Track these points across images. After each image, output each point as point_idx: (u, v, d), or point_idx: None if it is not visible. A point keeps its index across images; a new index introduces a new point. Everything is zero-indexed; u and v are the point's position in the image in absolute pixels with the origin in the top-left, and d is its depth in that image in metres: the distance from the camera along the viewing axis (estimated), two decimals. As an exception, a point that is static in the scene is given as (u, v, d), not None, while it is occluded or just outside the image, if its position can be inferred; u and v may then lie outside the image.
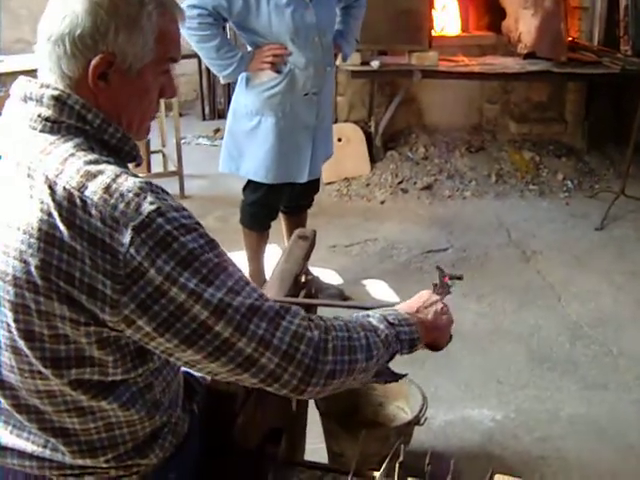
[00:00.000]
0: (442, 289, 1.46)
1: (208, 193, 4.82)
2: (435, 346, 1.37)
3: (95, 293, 0.99)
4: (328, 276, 3.66)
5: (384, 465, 1.40)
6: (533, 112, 5.40)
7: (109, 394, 1.09)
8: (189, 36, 2.88)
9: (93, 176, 1.01)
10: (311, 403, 2.09)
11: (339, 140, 4.69)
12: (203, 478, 1.33)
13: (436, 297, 1.39)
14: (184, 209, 1.06)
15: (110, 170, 1.03)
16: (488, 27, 5.35)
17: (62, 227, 0.99)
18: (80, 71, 1.08)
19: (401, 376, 1.32)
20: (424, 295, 1.39)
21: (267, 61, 2.96)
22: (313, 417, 2.15)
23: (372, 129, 5.04)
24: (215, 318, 1.02)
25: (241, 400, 1.41)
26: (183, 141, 5.20)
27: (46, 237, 0.99)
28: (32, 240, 0.99)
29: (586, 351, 3.08)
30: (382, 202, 4.72)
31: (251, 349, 1.05)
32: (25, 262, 1.00)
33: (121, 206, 0.99)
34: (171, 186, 4.60)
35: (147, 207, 1.00)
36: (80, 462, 1.14)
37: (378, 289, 3.59)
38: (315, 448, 2.21)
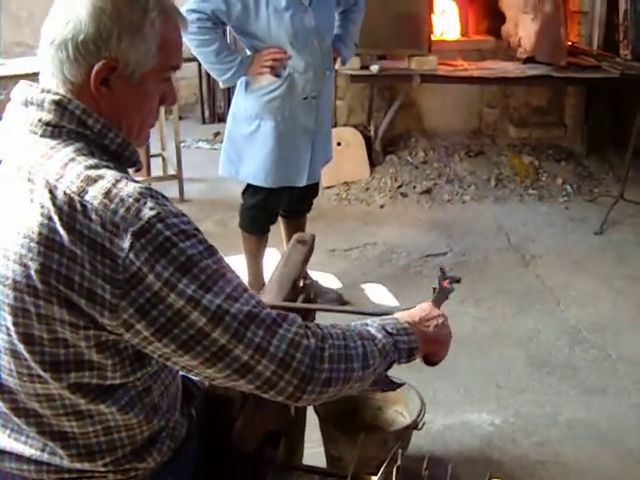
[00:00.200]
0: (441, 294, 1.47)
1: (207, 197, 4.82)
2: (432, 359, 1.37)
3: (94, 297, 0.99)
4: (327, 280, 3.66)
5: (382, 469, 1.40)
6: (532, 116, 5.40)
7: (108, 398, 1.10)
8: (188, 40, 2.88)
9: (93, 181, 1.01)
10: (310, 407, 2.09)
11: (338, 144, 4.70)
12: (201, 482, 1.33)
13: (437, 311, 1.38)
14: (184, 215, 1.06)
15: (110, 175, 1.03)
16: (488, 31, 5.36)
17: (62, 231, 0.99)
18: (82, 76, 1.09)
19: (398, 385, 1.32)
20: (426, 307, 1.38)
21: (266, 65, 2.96)
22: (312, 421, 2.15)
23: (371, 133, 5.04)
24: (212, 325, 1.02)
25: (239, 404, 1.41)
26: (183, 145, 5.20)
27: (46, 241, 0.99)
28: (32, 244, 1.00)
29: (585, 355, 3.08)
30: (381, 206, 4.73)
31: (248, 356, 1.05)
32: (25, 266, 1.00)
33: (121, 211, 1.00)
34: (171, 190, 4.61)
35: (147, 212, 1.00)
36: (78, 466, 1.14)
37: (377, 293, 3.59)
38: (313, 452, 2.21)
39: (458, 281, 1.50)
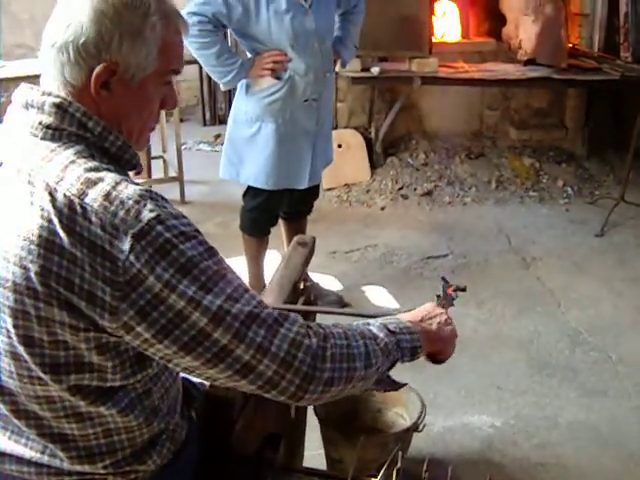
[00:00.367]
0: (445, 300, 1.47)
1: (208, 199, 4.83)
2: (438, 358, 1.37)
3: (94, 299, 0.99)
4: (328, 282, 3.66)
5: (382, 472, 1.40)
6: (533, 118, 5.41)
7: (108, 400, 1.10)
8: (189, 43, 2.88)
9: (93, 183, 1.02)
10: (310, 409, 2.09)
11: (339, 146, 4.70)
12: (201, 485, 1.33)
13: (440, 309, 1.39)
14: (183, 217, 1.06)
15: (110, 177, 1.03)
16: (488, 33, 5.37)
17: (62, 234, 0.99)
18: (83, 79, 1.09)
19: (401, 385, 1.32)
20: (429, 307, 1.38)
21: (267, 67, 2.97)
22: (312, 423, 2.15)
23: (372, 135, 5.05)
24: (214, 325, 1.02)
25: (239, 406, 1.41)
26: (184, 147, 5.21)
27: (46, 244, 0.99)
28: (32, 246, 1.00)
29: (585, 358, 3.08)
30: (382, 208, 4.73)
31: (249, 356, 1.05)
32: (25, 268, 1.00)
33: (121, 213, 1.00)
34: (171, 192, 4.62)
35: (147, 215, 1.00)
36: (78, 468, 1.14)
37: (378, 295, 3.59)
38: (314, 454, 2.21)
39: (463, 289, 1.50)
